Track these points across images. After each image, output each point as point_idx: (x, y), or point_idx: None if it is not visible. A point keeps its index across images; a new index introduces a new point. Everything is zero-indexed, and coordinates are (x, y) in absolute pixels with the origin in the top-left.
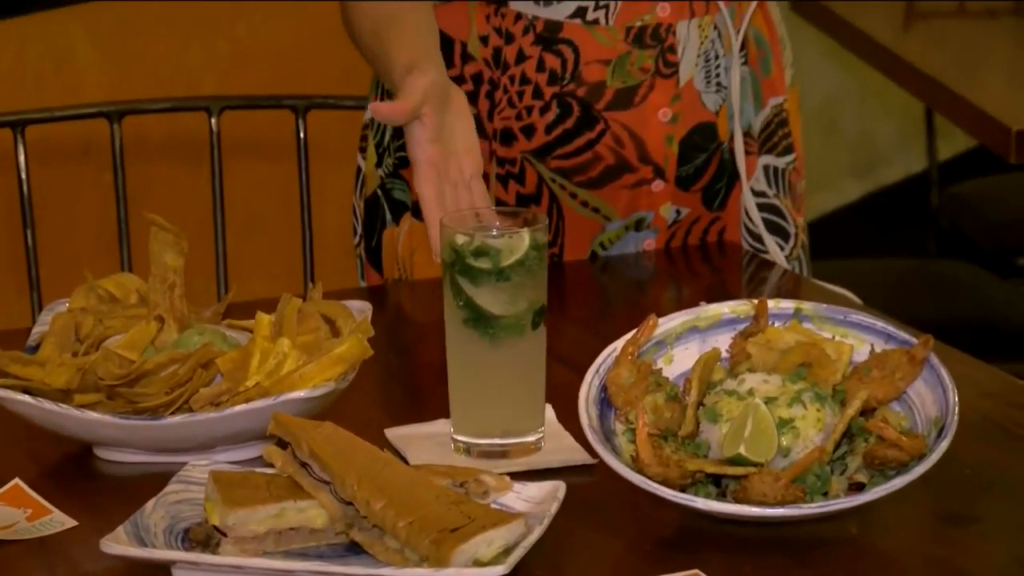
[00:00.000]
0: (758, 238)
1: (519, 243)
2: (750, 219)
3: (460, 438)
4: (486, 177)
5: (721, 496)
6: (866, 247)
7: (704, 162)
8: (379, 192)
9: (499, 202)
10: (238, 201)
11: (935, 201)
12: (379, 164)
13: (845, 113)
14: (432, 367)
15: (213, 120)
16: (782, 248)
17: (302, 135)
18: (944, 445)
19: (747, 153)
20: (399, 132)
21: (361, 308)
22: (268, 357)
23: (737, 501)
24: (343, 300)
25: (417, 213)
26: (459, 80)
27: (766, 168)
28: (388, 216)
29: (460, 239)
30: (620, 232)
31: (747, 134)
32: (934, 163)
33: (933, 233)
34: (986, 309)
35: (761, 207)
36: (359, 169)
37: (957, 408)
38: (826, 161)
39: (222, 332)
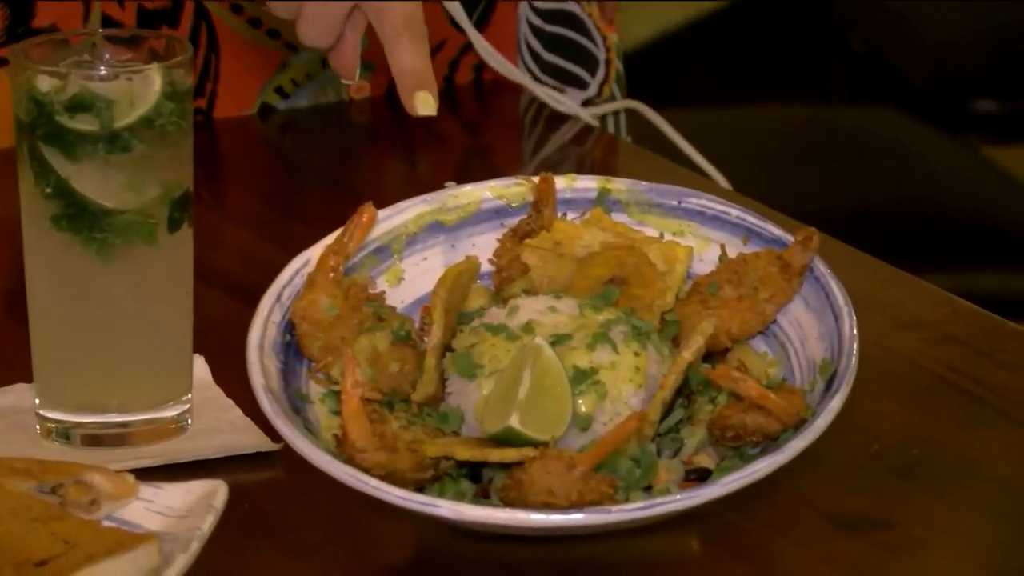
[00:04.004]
0: (546, 68)
1: (145, 89)
2: (529, 39)
3: (51, 415)
4: None
5: (482, 497)
6: (733, 87)
7: None
8: None
9: (108, 21)
10: None
11: (843, 7)
12: None
13: None
14: (1, 298)
15: None
16: (583, 86)
17: None
18: (836, 405)
19: None
20: None
21: None
22: None
23: (507, 504)
24: None
25: None
26: None
27: None
28: None
29: (45, 83)
30: (312, 68)
31: None
32: None
33: (840, 62)
34: (920, 185)
35: (546, 15)
36: None
37: (857, 346)
38: None
39: None
